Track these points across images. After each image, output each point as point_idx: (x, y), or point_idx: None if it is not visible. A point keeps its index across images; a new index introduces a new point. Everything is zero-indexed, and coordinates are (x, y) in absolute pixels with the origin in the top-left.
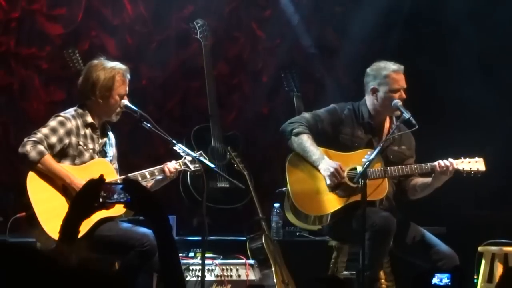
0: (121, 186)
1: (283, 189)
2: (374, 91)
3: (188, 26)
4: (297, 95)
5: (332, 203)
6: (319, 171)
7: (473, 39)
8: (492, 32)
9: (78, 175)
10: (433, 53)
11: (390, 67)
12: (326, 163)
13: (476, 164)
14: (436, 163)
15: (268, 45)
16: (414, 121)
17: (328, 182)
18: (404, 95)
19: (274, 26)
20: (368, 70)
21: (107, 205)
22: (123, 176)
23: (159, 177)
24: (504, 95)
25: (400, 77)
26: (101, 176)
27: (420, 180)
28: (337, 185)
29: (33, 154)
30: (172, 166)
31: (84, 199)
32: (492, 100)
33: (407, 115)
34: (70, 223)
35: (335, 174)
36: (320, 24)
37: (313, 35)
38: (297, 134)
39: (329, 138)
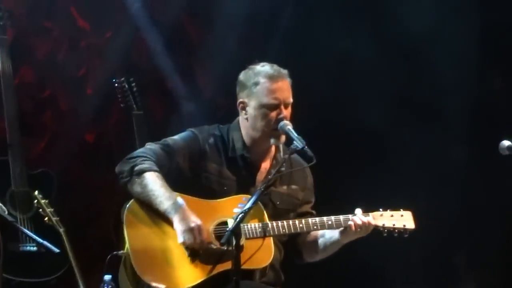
0: None
1: (119, 252)
2: (243, 106)
3: None
4: (138, 114)
5: (192, 273)
6: (171, 225)
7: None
8: None
9: None
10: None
11: (265, 71)
12: (183, 214)
13: (401, 220)
14: (342, 217)
15: (96, 40)
16: (310, 153)
17: (183, 241)
18: (285, 113)
19: (104, 13)
20: (239, 76)
21: None
22: None
23: None
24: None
25: (278, 86)
26: None
27: (321, 234)
28: (198, 249)
29: None
30: None
31: None
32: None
33: (300, 144)
34: None
35: (194, 235)
36: (175, 9)
37: (165, 25)
38: (141, 173)
39: (187, 179)
